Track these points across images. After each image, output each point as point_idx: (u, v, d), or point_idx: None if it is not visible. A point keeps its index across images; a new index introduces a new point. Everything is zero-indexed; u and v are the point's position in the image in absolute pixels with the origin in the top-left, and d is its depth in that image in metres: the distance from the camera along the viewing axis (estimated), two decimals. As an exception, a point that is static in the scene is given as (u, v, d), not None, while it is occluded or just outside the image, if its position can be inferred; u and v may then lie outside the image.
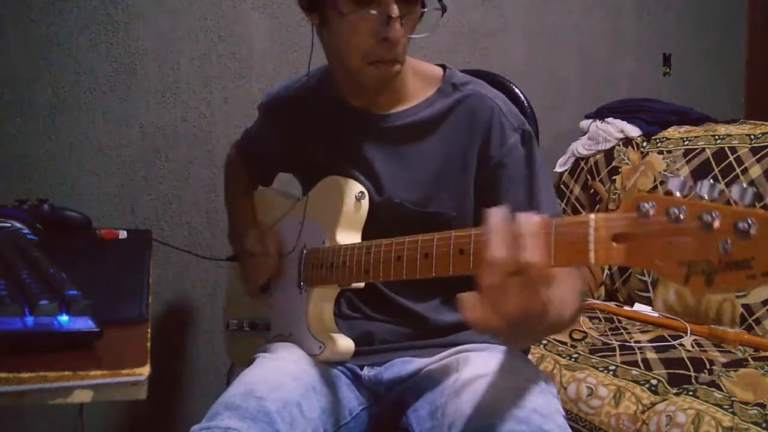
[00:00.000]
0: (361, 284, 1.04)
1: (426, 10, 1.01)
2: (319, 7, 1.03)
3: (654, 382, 1.44)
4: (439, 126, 1.09)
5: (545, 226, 0.68)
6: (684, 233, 0.59)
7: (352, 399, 1.08)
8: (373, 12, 0.96)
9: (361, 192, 1.08)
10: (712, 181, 0.59)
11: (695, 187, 0.59)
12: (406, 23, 0.98)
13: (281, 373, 0.99)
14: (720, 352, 1.61)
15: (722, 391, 1.36)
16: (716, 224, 0.56)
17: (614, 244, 0.65)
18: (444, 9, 1.01)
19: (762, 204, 0.55)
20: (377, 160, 1.10)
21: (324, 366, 1.07)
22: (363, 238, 1.07)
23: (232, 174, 1.41)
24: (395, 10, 0.96)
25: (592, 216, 0.66)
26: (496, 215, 0.69)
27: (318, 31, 1.08)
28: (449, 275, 0.82)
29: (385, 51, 0.99)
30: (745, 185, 0.57)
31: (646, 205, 0.62)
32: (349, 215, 1.08)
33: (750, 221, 0.54)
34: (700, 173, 1.94)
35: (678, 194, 0.60)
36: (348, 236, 1.07)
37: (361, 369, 1.11)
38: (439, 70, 1.13)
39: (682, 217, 0.59)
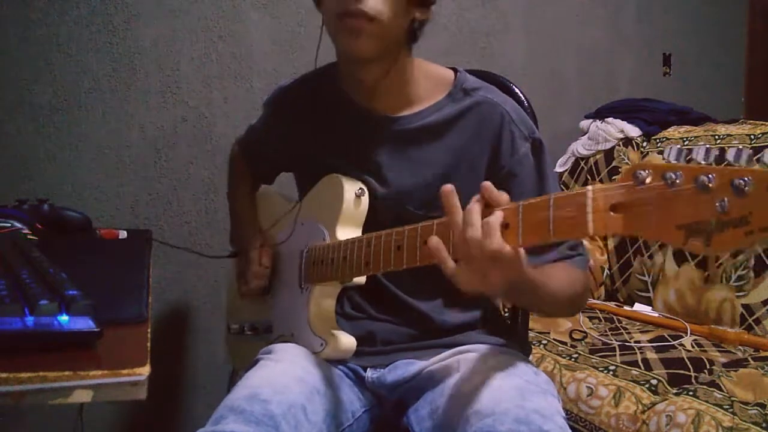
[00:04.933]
0: (362, 279, 1.04)
1: None
2: None
3: (654, 382, 1.44)
4: (448, 131, 1.08)
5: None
6: (680, 196, 0.59)
7: (354, 401, 1.08)
8: None
9: (360, 189, 1.08)
10: (707, 146, 0.59)
11: (691, 153, 0.60)
12: None
13: (285, 376, 0.99)
14: (720, 352, 1.61)
15: (722, 391, 1.36)
16: (712, 185, 0.56)
17: (612, 213, 0.65)
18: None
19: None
20: (384, 163, 1.10)
21: (327, 367, 1.07)
22: None
23: (235, 173, 1.40)
24: None
25: (590, 187, 0.67)
26: (450, 197, 0.80)
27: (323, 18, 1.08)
28: None
29: (347, 3, 0.97)
30: (740, 146, 0.57)
31: (643, 172, 0.62)
32: (349, 212, 1.07)
33: (746, 179, 0.54)
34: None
35: (674, 161, 0.61)
36: (349, 233, 1.07)
37: (365, 371, 1.11)
38: (450, 74, 1.12)
39: (678, 181, 0.59)
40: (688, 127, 2.16)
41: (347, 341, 1.07)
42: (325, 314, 1.10)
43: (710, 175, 0.57)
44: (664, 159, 0.62)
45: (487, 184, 0.79)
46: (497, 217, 0.76)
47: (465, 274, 0.79)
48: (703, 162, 0.59)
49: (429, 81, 1.11)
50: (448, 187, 0.81)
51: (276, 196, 1.34)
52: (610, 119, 2.29)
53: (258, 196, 1.38)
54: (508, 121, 1.06)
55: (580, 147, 2.33)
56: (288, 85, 1.25)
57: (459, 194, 1.07)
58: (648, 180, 0.62)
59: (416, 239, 0.88)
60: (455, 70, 1.13)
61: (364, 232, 1.07)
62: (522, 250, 0.78)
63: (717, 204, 0.56)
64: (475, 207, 0.79)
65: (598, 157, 2.28)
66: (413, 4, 1.02)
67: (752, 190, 0.54)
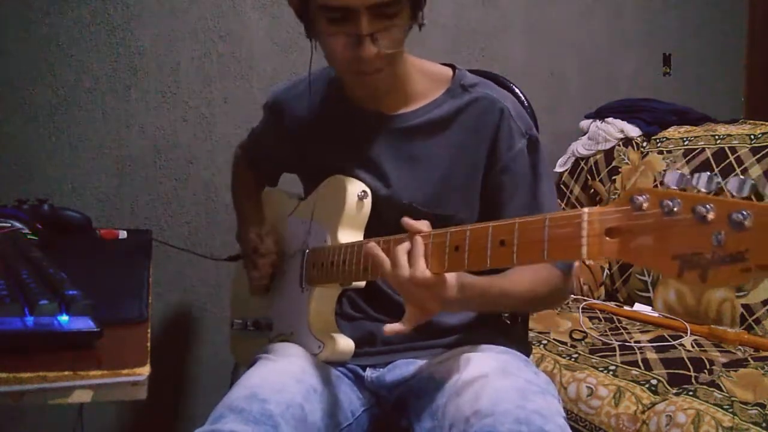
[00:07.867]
0: (362, 283, 1.04)
1: (397, 24, 0.98)
2: (305, 20, 1.04)
3: (654, 382, 1.44)
4: (448, 127, 1.08)
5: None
6: (677, 226, 0.57)
7: (354, 400, 1.08)
8: (343, 32, 0.97)
9: (363, 191, 1.08)
10: (709, 173, 0.57)
11: (692, 179, 0.58)
12: (381, 38, 0.97)
13: (284, 375, 0.99)
14: (720, 352, 1.61)
15: (722, 391, 1.36)
16: (710, 216, 0.54)
17: (607, 238, 0.63)
18: (420, 25, 1.00)
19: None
20: (386, 161, 1.10)
21: (326, 367, 1.07)
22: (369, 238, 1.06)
23: (238, 174, 1.40)
24: (365, 28, 0.96)
25: (586, 210, 0.66)
26: (373, 250, 0.89)
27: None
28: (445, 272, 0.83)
29: (362, 65, 1.00)
30: (742, 177, 0.55)
31: (640, 198, 0.60)
32: (351, 214, 1.07)
33: (745, 213, 0.52)
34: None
35: (674, 187, 0.59)
36: (350, 235, 1.07)
37: (364, 370, 1.11)
38: (448, 71, 1.13)
39: (675, 209, 0.57)
40: (688, 127, 2.16)
41: (345, 344, 1.06)
42: (324, 316, 1.10)
43: (708, 206, 0.54)
44: (663, 184, 0.60)
45: (405, 220, 0.87)
46: (419, 247, 0.82)
47: (408, 311, 0.88)
48: (704, 190, 0.56)
49: (426, 78, 1.11)
50: (370, 247, 0.90)
51: (281, 195, 1.35)
52: (610, 119, 2.29)
53: (263, 195, 1.38)
54: (507, 116, 1.06)
55: (580, 147, 2.33)
56: (284, 88, 1.25)
57: (460, 191, 1.08)
58: (645, 206, 0.60)
59: None
60: (453, 68, 1.13)
61: (369, 231, 1.07)
62: (448, 276, 0.84)
63: (713, 237, 0.54)
64: (400, 248, 0.85)
65: (598, 157, 2.28)
66: (411, 17, 1.02)
67: (751, 225, 0.52)
